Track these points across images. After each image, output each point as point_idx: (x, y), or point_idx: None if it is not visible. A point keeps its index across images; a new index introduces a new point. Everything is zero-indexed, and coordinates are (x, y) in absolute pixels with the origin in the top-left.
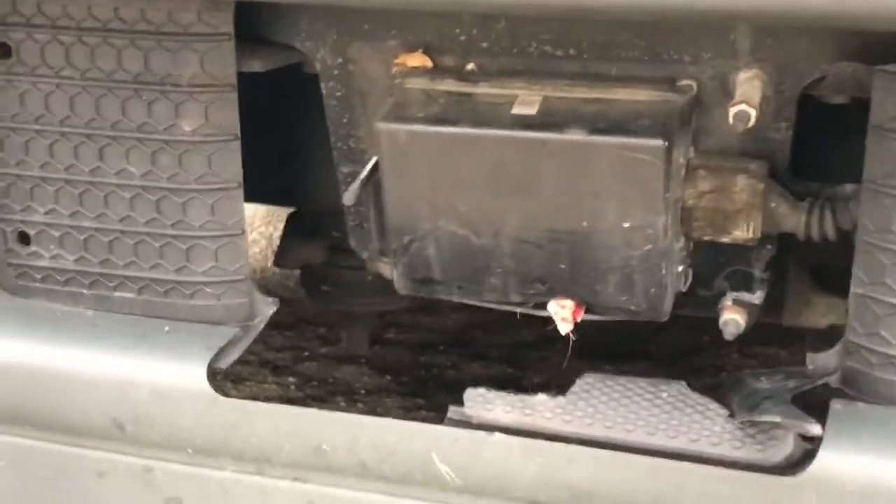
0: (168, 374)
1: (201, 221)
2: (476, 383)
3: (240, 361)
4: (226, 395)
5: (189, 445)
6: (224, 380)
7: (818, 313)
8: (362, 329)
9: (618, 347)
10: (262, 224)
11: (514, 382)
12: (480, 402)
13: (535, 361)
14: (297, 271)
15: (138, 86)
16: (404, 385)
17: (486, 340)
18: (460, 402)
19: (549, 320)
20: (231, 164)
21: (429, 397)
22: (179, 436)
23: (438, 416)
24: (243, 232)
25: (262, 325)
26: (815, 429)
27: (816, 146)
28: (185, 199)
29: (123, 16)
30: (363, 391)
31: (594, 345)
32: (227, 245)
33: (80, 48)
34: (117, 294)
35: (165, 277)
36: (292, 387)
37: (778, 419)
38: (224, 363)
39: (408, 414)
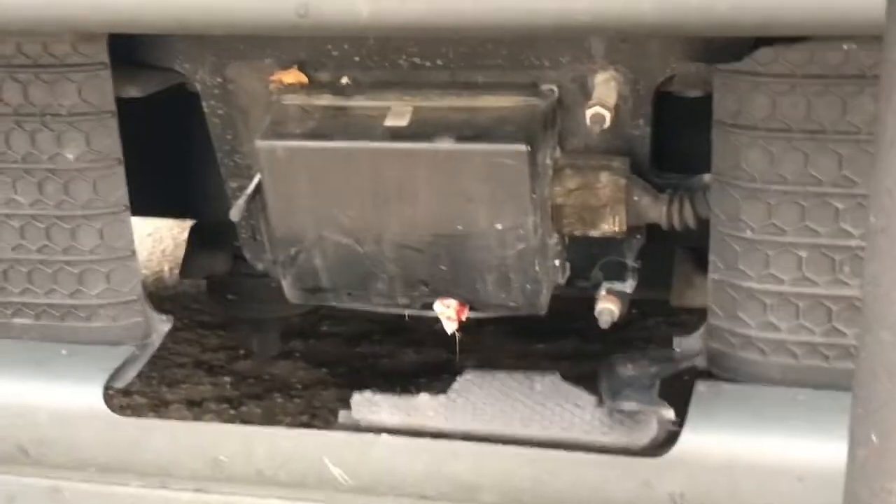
0: (66, 396)
1: (91, 246)
2: (412, 371)
3: (174, 364)
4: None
5: (92, 464)
6: (160, 384)
7: (701, 294)
8: (270, 334)
9: (548, 325)
10: (170, 237)
11: (449, 367)
12: (367, 405)
13: (469, 344)
14: (203, 281)
15: (19, 117)
16: (340, 377)
17: (419, 327)
18: (349, 407)
19: None
20: (116, 189)
21: (365, 388)
22: (82, 456)
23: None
24: (133, 253)
25: (157, 343)
26: (669, 413)
27: (681, 138)
28: (74, 225)
29: (0, 51)
30: (300, 386)
31: (525, 325)
32: (119, 267)
33: None
34: (15, 320)
35: (61, 302)
36: (228, 386)
37: (635, 406)
38: (121, 382)
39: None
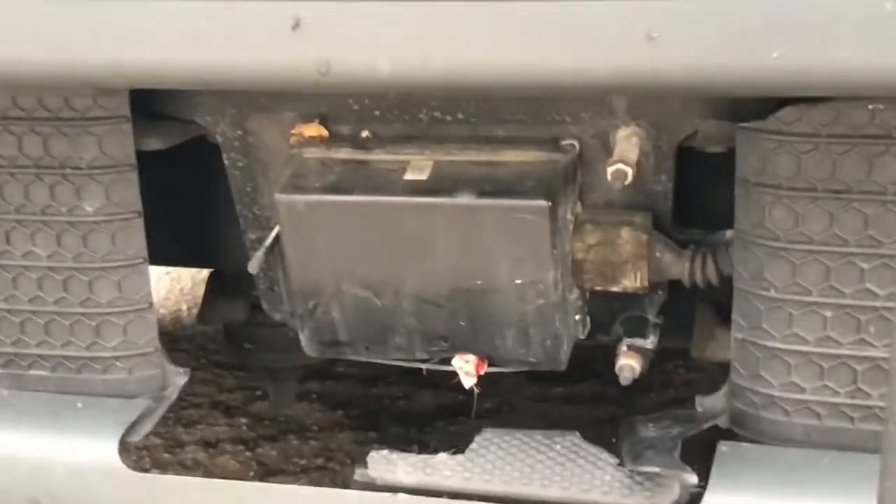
0: (81, 450)
1: (109, 298)
2: (428, 413)
3: (190, 405)
4: (145, 460)
5: None
6: (175, 424)
7: (722, 348)
8: (287, 384)
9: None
10: (188, 276)
11: (466, 409)
12: (384, 463)
13: (487, 387)
14: (220, 329)
15: (40, 170)
16: (356, 419)
17: (436, 370)
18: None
19: None
20: (135, 241)
21: (381, 430)
22: None
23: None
24: (151, 305)
25: (174, 396)
26: (692, 478)
27: (703, 194)
28: (92, 277)
29: (22, 104)
30: (315, 427)
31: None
32: (136, 319)
33: None
34: (31, 372)
35: (77, 354)
36: (244, 427)
37: (657, 470)
38: (137, 436)
39: (361, 448)
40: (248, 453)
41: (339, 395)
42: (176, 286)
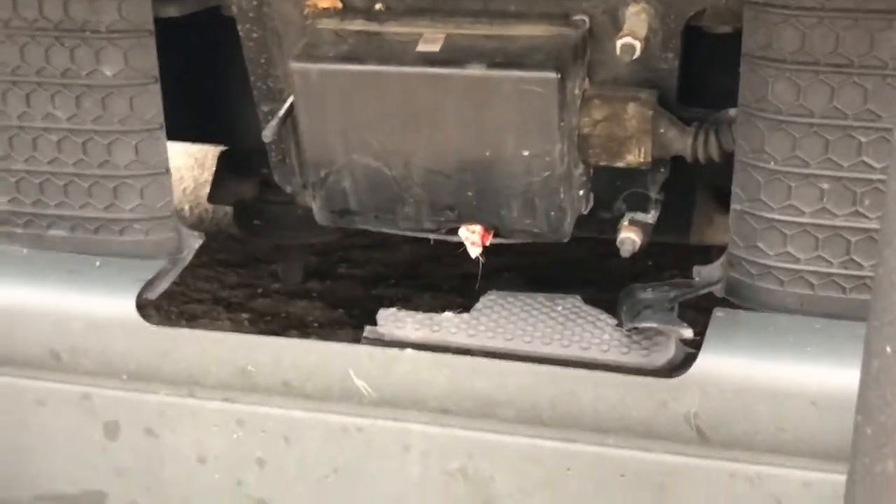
0: (100, 305)
1: (126, 161)
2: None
3: (193, 300)
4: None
5: (123, 372)
6: (179, 318)
7: (721, 231)
8: (295, 261)
9: (563, 277)
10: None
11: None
12: (392, 321)
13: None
14: (230, 207)
15: (60, 33)
16: (356, 318)
17: (436, 272)
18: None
19: (493, 252)
20: (152, 106)
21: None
22: (113, 363)
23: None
24: (167, 171)
25: (189, 258)
26: (687, 332)
27: (708, 73)
28: (110, 140)
29: None
30: (316, 324)
31: (540, 276)
32: (153, 183)
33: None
34: (50, 232)
35: (95, 216)
36: (246, 322)
37: (654, 325)
38: (153, 294)
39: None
40: None
41: (339, 295)
42: (178, 187)
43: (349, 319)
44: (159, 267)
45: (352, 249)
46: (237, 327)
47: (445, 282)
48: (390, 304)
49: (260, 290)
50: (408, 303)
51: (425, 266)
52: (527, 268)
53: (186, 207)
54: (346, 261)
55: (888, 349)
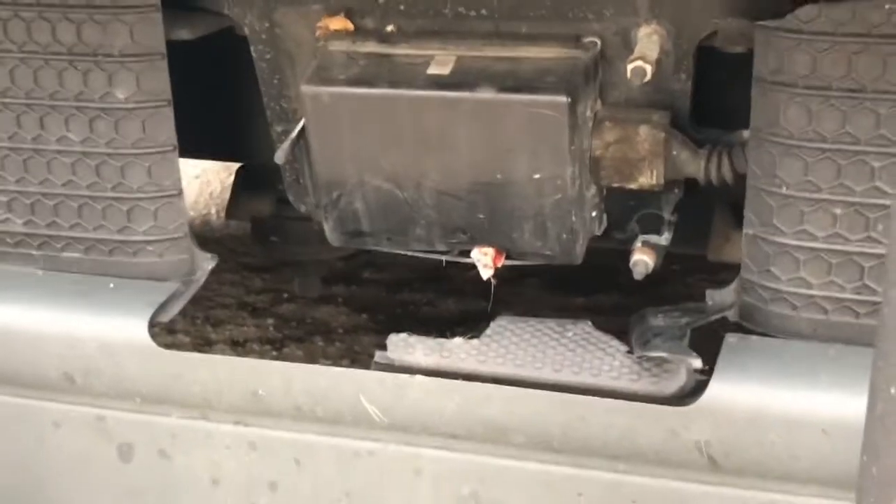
0: (113, 328)
1: (139, 183)
2: (451, 319)
3: (219, 305)
4: (173, 346)
5: (136, 395)
6: (204, 324)
7: (737, 249)
8: (312, 277)
9: (588, 279)
10: (218, 181)
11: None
12: (402, 346)
13: (508, 295)
14: (248, 223)
15: (73, 57)
16: (380, 323)
17: (460, 276)
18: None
19: None
20: (164, 128)
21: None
22: (126, 386)
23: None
24: (180, 192)
25: (203, 279)
26: (696, 362)
27: (722, 93)
28: (123, 162)
29: None
30: (340, 330)
31: (565, 278)
32: (166, 205)
33: (17, 23)
34: (65, 254)
35: (109, 237)
36: (271, 328)
37: (663, 354)
38: (166, 317)
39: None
40: (274, 353)
41: (364, 300)
42: (206, 189)
43: (373, 325)
44: (172, 289)
45: (376, 254)
46: (262, 333)
47: (469, 287)
48: (415, 309)
49: (285, 295)
50: (432, 307)
51: (449, 271)
52: (548, 271)
53: (213, 214)
54: (370, 265)
55: (893, 391)
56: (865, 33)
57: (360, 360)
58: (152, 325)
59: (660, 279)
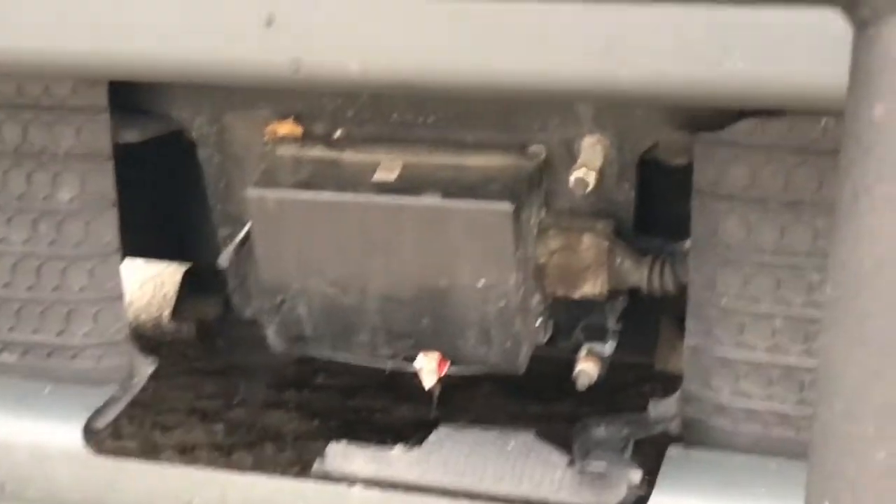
0: (46, 434)
1: (80, 286)
2: (404, 427)
3: (169, 409)
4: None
5: (68, 503)
6: (153, 429)
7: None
8: (261, 380)
9: (545, 386)
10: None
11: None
12: (341, 455)
13: (462, 401)
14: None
15: (18, 157)
16: (333, 430)
17: (414, 383)
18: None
19: None
20: (108, 231)
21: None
22: (58, 494)
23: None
24: (121, 295)
25: (141, 384)
26: (636, 476)
27: (666, 204)
28: (65, 265)
29: (2, 90)
30: (291, 436)
31: (521, 385)
32: (106, 308)
33: None
34: (1, 358)
35: (47, 341)
36: (220, 434)
37: (604, 467)
38: (102, 422)
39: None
40: (223, 459)
41: (316, 405)
42: (160, 291)
43: (326, 431)
44: (109, 394)
45: (329, 359)
46: (210, 438)
47: (424, 394)
48: (368, 415)
49: (235, 400)
50: (386, 413)
51: (404, 377)
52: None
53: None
54: (323, 370)
55: None
56: (803, 147)
57: (311, 467)
58: (87, 430)
59: (617, 387)
